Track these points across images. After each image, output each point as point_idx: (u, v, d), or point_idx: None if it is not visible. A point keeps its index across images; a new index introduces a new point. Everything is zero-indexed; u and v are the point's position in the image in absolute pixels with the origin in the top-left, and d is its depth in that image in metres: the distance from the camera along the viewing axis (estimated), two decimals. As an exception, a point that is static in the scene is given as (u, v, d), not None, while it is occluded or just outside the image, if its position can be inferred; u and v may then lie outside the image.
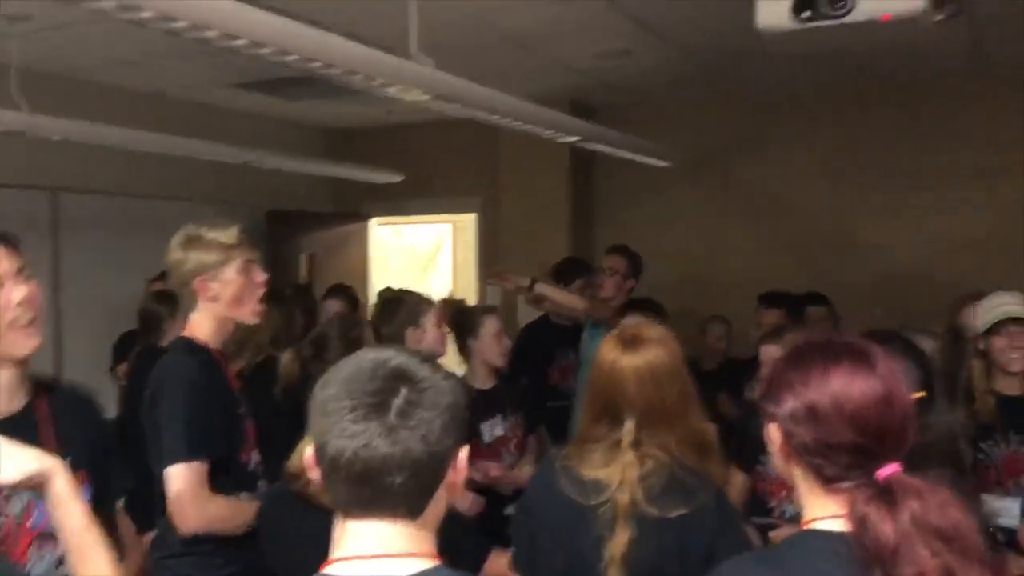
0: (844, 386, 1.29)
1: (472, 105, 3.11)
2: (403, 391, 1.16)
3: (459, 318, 3.70)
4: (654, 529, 1.93)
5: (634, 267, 4.46)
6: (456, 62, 4.43)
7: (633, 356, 2.03)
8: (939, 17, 2.81)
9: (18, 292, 1.68)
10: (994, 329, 2.93)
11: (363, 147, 6.56)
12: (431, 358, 1.27)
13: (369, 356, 1.22)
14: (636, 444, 1.99)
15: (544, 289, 4.39)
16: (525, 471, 3.45)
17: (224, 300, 2.33)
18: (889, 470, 1.26)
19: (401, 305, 3.34)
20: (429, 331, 3.29)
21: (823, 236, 5.44)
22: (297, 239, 6.21)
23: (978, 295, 3.64)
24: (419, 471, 1.15)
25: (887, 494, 1.23)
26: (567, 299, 4.40)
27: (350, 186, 6.52)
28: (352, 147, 6.65)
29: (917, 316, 4.55)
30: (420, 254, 8.98)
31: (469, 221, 6.90)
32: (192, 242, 2.33)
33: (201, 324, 2.35)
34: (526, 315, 5.69)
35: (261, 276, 2.40)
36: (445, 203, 6.77)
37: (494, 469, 3.36)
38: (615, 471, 1.98)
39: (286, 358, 3.46)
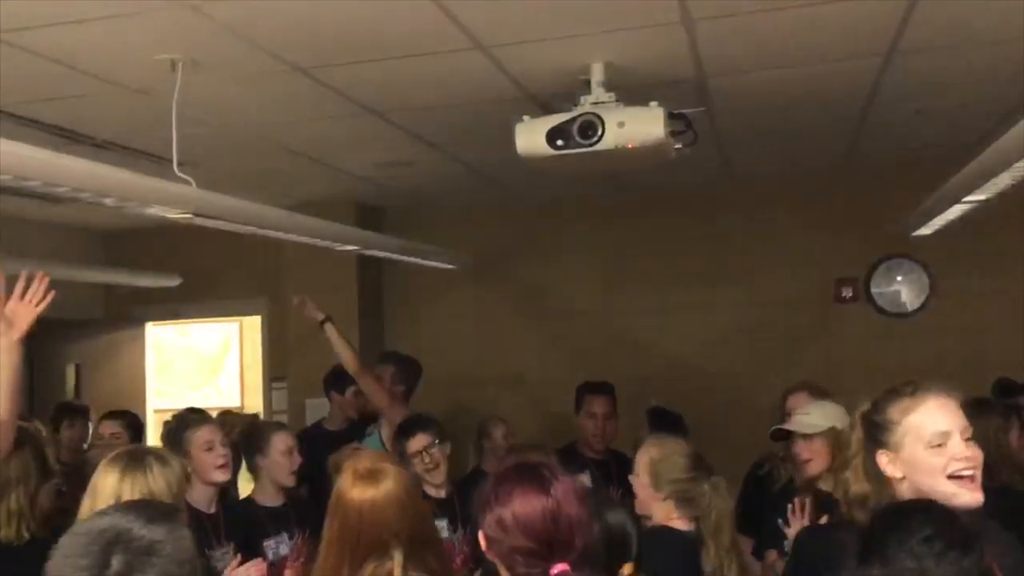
0: (521, 504, 1.66)
1: (239, 220, 3.07)
2: (118, 557, 1.23)
3: (247, 435, 3.57)
4: None
5: (404, 372, 4.43)
6: (235, 171, 4.41)
7: (385, 486, 2.04)
8: (678, 146, 3.10)
9: None
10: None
11: (139, 249, 6.26)
12: (160, 511, 1.35)
13: (91, 524, 1.30)
14: (405, 572, 2.00)
15: (332, 333, 4.32)
16: None
17: None
18: (557, 569, 1.60)
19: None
20: (195, 456, 3.15)
21: (599, 334, 5.72)
22: (62, 349, 5.79)
23: (802, 386, 3.89)
24: None
25: None
26: (345, 352, 4.33)
27: (123, 290, 6.19)
28: (127, 249, 6.33)
29: (687, 405, 4.87)
30: (206, 356, 8.60)
31: (256, 321, 6.70)
32: None
33: None
34: (314, 420, 5.56)
35: None
36: (228, 305, 6.54)
37: None
38: None
39: None
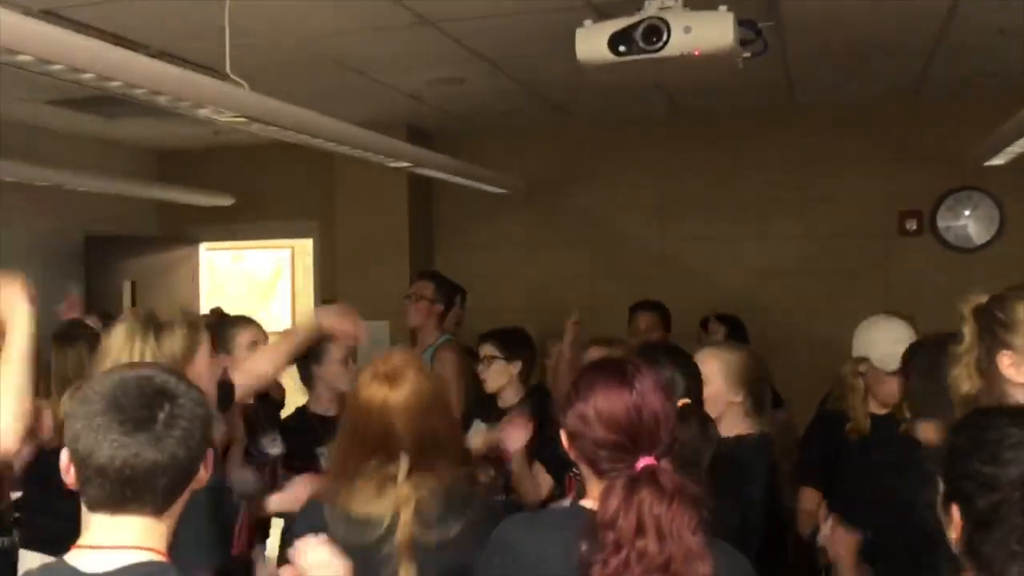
0: (604, 399, 1.61)
1: (291, 127, 3.02)
2: (167, 406, 1.36)
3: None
4: (434, 554, 1.92)
5: (443, 292, 4.35)
6: (286, 87, 4.35)
7: (400, 390, 1.99)
8: (746, 55, 2.97)
9: None
10: None
11: (193, 169, 6.30)
12: (182, 376, 1.50)
13: (132, 374, 1.41)
14: (409, 476, 1.97)
15: None
16: None
17: None
18: (644, 462, 1.54)
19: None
20: (238, 356, 3.16)
21: (650, 263, 5.62)
22: (119, 265, 5.86)
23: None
24: (180, 472, 1.36)
25: (633, 481, 1.51)
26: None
27: (178, 209, 6.24)
28: (181, 169, 6.37)
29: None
30: (259, 280, 8.70)
31: (308, 246, 6.73)
32: None
33: None
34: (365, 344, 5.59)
35: None
36: (280, 227, 6.58)
37: None
38: (387, 505, 1.94)
39: None
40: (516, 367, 3.56)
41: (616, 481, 1.51)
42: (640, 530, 1.47)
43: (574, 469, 2.93)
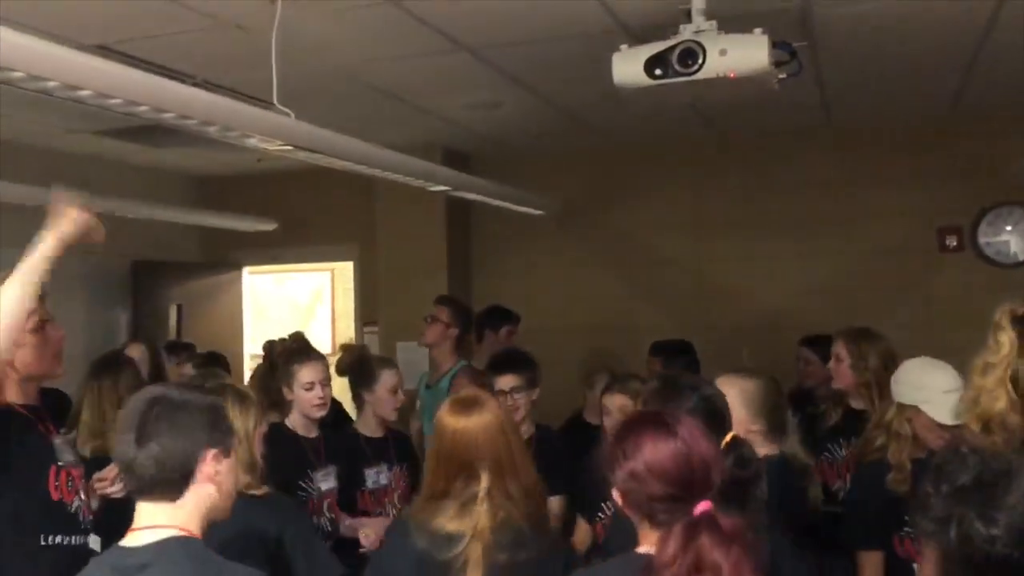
0: (652, 453, 1.64)
1: (335, 154, 3.10)
2: (156, 409, 1.63)
3: (356, 368, 3.64)
4: (504, 572, 2.13)
5: (459, 317, 4.44)
6: (328, 113, 4.45)
7: (479, 416, 2.25)
8: (781, 76, 2.99)
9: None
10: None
11: (235, 195, 6.43)
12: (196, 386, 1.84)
13: (145, 390, 1.73)
14: (489, 495, 2.19)
15: None
16: None
17: (21, 362, 2.31)
18: (701, 507, 1.55)
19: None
20: (296, 393, 3.25)
21: (688, 282, 5.63)
22: (165, 290, 6.00)
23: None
24: (164, 464, 1.61)
25: (692, 525, 1.52)
26: None
27: (221, 235, 6.36)
28: (224, 195, 6.50)
29: (779, 356, 4.76)
30: (299, 304, 8.82)
31: (348, 269, 6.83)
32: None
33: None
34: (404, 363, 5.64)
35: (58, 332, 2.41)
36: (321, 251, 6.67)
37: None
38: (468, 522, 2.15)
39: None
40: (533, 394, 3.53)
41: (675, 527, 1.53)
42: (698, 571, 1.47)
43: (599, 515, 3.01)
